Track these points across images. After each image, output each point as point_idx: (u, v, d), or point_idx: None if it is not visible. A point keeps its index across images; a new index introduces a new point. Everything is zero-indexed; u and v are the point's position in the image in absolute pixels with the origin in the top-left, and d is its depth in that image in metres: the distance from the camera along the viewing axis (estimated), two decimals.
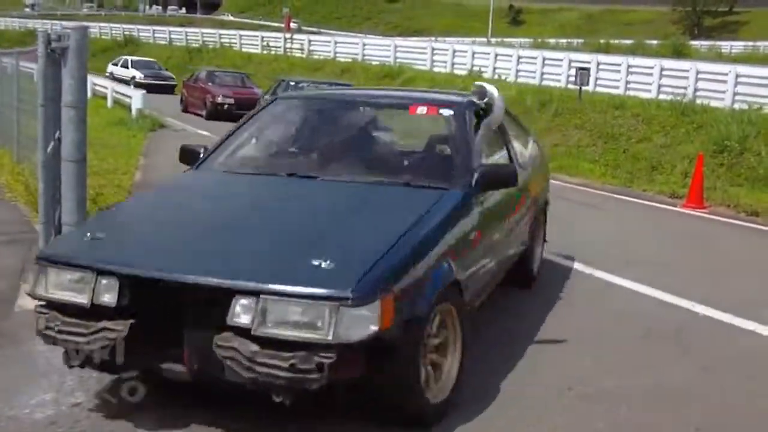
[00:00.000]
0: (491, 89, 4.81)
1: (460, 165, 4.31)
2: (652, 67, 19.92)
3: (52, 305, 3.27)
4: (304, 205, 3.97)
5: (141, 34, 44.78)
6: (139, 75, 29.15)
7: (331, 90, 5.92)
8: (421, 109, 4.80)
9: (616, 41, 33.90)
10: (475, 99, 4.81)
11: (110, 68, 31.38)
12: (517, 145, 5.52)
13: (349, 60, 29.88)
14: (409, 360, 3.20)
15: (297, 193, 4.14)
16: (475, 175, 4.16)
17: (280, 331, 2.94)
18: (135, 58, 32.29)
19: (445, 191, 4.04)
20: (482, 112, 4.78)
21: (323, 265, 3.06)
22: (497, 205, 4.56)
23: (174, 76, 30.75)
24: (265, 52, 35.20)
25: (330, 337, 2.89)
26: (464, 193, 4.08)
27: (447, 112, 4.70)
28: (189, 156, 4.64)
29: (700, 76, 18.43)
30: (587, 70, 18.98)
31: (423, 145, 4.96)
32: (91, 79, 19.86)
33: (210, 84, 22.42)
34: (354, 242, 3.42)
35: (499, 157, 5.10)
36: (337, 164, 4.47)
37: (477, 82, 5.13)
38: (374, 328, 2.94)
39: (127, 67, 30.30)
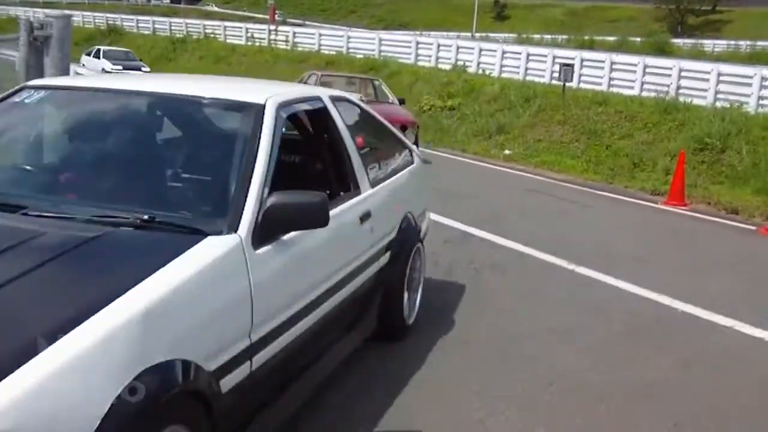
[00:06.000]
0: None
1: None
2: (635, 65, 20.00)
3: None
4: None
5: (124, 23, 44.43)
6: (109, 66, 29.63)
7: None
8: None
9: (600, 38, 34.03)
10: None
11: (83, 59, 31.10)
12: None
13: (334, 53, 29.73)
14: None
15: None
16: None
17: None
18: (106, 48, 32.16)
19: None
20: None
21: None
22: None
23: (146, 64, 30.88)
24: (249, 43, 34.98)
25: None
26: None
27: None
28: None
29: (683, 74, 18.54)
30: (571, 66, 19.02)
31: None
32: (73, 68, 19.65)
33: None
34: None
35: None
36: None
37: None
38: None
39: (99, 58, 30.48)
